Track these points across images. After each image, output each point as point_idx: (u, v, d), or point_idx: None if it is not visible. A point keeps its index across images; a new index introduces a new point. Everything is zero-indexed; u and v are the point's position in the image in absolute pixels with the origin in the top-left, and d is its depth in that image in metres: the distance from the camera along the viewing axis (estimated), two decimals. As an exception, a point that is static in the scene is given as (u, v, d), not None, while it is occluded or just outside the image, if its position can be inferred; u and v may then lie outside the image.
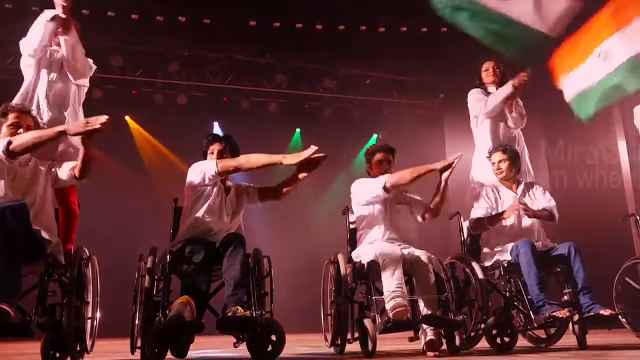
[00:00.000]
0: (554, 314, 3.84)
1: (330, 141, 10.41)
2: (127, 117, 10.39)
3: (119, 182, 9.42)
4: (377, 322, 3.76)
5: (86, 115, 4.15)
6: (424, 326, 3.76)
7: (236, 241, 3.62)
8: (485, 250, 4.48)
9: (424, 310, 3.77)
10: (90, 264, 3.75)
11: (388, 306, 3.64)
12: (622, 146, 8.88)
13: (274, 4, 8.61)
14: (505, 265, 4.25)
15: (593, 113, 4.29)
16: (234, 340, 3.56)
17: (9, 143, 3.33)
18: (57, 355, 3.22)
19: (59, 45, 4.06)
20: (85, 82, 4.21)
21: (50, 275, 3.37)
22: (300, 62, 10.07)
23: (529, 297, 4.07)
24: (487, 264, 4.39)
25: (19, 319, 3.06)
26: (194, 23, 8.86)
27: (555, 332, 4.45)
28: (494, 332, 4.00)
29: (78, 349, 3.50)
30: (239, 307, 3.32)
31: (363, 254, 4.08)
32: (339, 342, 4.04)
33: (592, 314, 3.92)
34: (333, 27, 9.27)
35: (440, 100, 10.92)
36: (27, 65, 4.04)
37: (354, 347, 3.96)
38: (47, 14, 3.93)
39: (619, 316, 4.27)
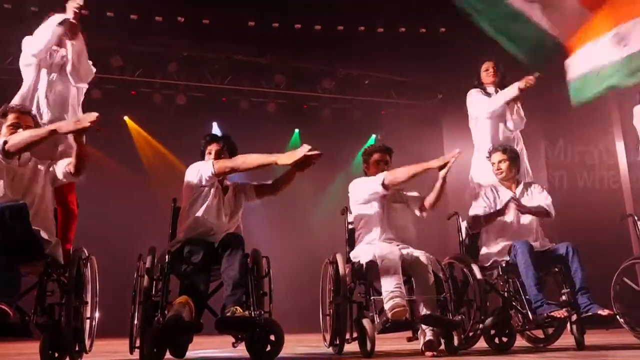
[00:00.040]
0: (552, 314, 3.84)
1: (329, 141, 10.41)
2: (126, 117, 10.39)
3: (117, 182, 9.43)
4: (376, 322, 3.77)
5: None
6: (423, 326, 3.76)
7: (235, 241, 3.63)
8: (483, 250, 4.49)
9: (422, 310, 3.78)
10: (89, 264, 3.75)
11: (387, 306, 3.65)
12: (620, 147, 8.90)
13: (273, 4, 8.62)
14: (504, 265, 4.26)
15: (590, 98, 4.23)
16: (233, 340, 3.57)
17: (5, 143, 3.35)
18: (56, 355, 3.23)
19: (59, 46, 4.07)
20: (85, 84, 4.22)
21: (49, 275, 3.37)
22: (299, 62, 10.08)
23: (527, 297, 4.07)
24: (486, 264, 4.40)
25: (18, 318, 3.07)
26: (193, 23, 8.87)
27: (554, 332, 4.46)
28: (492, 332, 4.01)
29: (77, 348, 3.51)
30: (237, 307, 3.32)
31: (362, 254, 4.09)
32: (338, 342, 4.04)
33: (590, 314, 3.92)
34: (332, 27, 9.28)
35: (438, 100, 10.94)
36: (27, 64, 4.04)
37: (352, 347, 3.96)
38: (58, 17, 3.93)
39: (617, 316, 4.26)
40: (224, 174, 3.89)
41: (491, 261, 4.37)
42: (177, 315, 3.20)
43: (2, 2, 7.99)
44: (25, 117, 3.61)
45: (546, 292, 4.09)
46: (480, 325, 3.98)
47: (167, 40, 9.06)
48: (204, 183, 3.86)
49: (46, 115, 3.96)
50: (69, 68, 4.03)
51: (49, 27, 3.92)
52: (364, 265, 4.00)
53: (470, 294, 4.19)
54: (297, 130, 11.12)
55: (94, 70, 4.25)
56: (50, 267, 3.36)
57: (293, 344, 5.10)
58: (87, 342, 3.69)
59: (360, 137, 10.68)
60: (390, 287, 3.71)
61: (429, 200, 4.29)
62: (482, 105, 4.96)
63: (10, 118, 3.56)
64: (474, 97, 5.06)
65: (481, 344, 4.09)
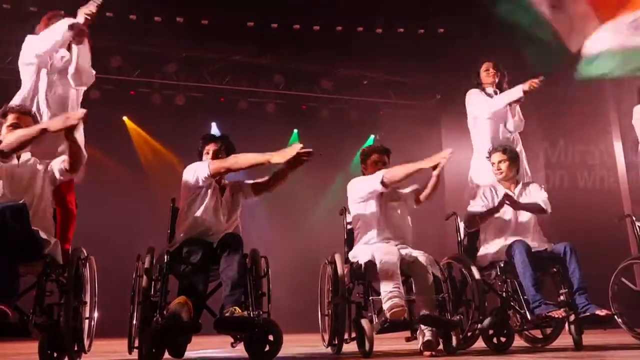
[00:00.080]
0: (550, 314, 3.85)
1: (328, 142, 10.43)
2: (125, 118, 10.38)
3: (116, 182, 9.42)
4: (374, 322, 3.77)
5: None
6: (422, 326, 3.77)
7: (234, 241, 3.64)
8: (482, 250, 4.49)
9: (421, 310, 3.79)
10: (88, 264, 3.75)
11: (385, 306, 3.66)
12: (618, 147, 8.92)
13: (271, 5, 8.62)
14: (502, 265, 4.26)
15: (594, 75, 4.24)
16: (232, 340, 3.57)
17: None
18: (55, 355, 3.23)
19: (63, 47, 4.07)
20: (84, 87, 4.23)
21: (48, 275, 3.37)
22: (297, 63, 10.08)
23: (525, 297, 4.08)
24: (484, 264, 4.40)
25: (17, 318, 3.06)
26: (192, 24, 8.87)
27: (552, 332, 4.47)
28: (491, 332, 4.01)
29: (76, 348, 3.51)
30: (236, 308, 3.33)
31: (360, 254, 4.10)
32: (336, 342, 4.05)
33: (588, 314, 3.93)
34: (330, 28, 9.29)
35: (437, 101, 10.94)
36: (27, 63, 4.01)
37: (351, 347, 3.97)
38: (67, 20, 3.93)
39: (615, 316, 4.27)
40: (220, 174, 3.89)
41: (489, 261, 4.38)
42: (176, 315, 3.21)
43: (1, 3, 7.99)
44: (26, 118, 3.61)
45: (544, 292, 4.10)
46: (479, 325, 3.99)
47: (166, 40, 9.06)
48: (200, 184, 3.87)
49: (46, 116, 3.95)
50: (72, 70, 4.02)
51: (59, 30, 3.91)
52: (363, 266, 4.00)
53: (468, 294, 4.20)
54: (295, 131, 11.12)
55: (94, 73, 4.25)
56: (49, 267, 3.36)
57: (291, 344, 5.10)
58: (86, 342, 3.69)
59: (358, 137, 10.69)
60: (388, 287, 3.71)
61: (424, 195, 4.31)
62: (483, 105, 4.98)
63: (10, 118, 3.56)
64: (474, 97, 5.06)
65: (479, 344, 4.10)
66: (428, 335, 3.71)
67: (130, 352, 3.50)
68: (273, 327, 3.38)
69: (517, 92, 4.85)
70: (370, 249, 4.02)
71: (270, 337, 3.36)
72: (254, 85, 10.31)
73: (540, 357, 3.56)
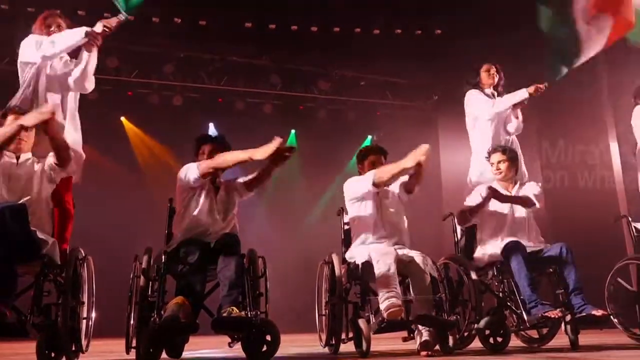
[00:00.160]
0: (546, 314, 3.86)
1: (325, 142, 10.49)
2: (122, 118, 10.38)
3: (114, 182, 9.42)
4: (372, 322, 3.78)
5: (82, 116, 4.16)
6: (420, 327, 3.78)
7: (231, 242, 3.65)
8: (478, 250, 4.50)
9: (418, 310, 3.81)
10: (85, 264, 3.76)
11: (382, 306, 3.66)
12: (614, 148, 8.94)
13: (269, 5, 8.63)
14: (499, 265, 4.28)
15: None
16: (229, 340, 3.57)
17: None
18: (53, 355, 3.24)
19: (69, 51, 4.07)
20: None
21: (45, 275, 3.38)
22: (295, 63, 10.09)
23: (521, 297, 4.09)
24: (481, 264, 4.42)
25: (15, 318, 3.07)
26: (189, 24, 8.87)
27: (548, 332, 4.48)
28: (487, 332, 4.02)
29: (73, 348, 3.52)
30: (234, 308, 3.34)
31: (357, 254, 4.11)
32: (334, 342, 4.06)
33: (584, 314, 3.94)
34: (328, 29, 9.30)
35: (434, 102, 10.96)
36: (27, 63, 3.99)
37: (348, 347, 3.98)
38: (85, 28, 3.93)
39: (611, 316, 4.28)
40: (209, 174, 3.90)
41: (486, 262, 4.39)
42: (174, 315, 3.21)
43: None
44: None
45: (540, 293, 4.12)
46: (475, 326, 4.00)
47: (163, 41, 9.06)
48: (192, 185, 3.89)
49: None
50: (77, 74, 4.01)
51: (75, 36, 3.90)
52: (360, 266, 4.01)
53: (465, 294, 4.21)
54: (293, 131, 11.14)
55: (94, 81, 4.25)
56: (47, 267, 3.37)
57: (289, 344, 5.11)
58: (84, 342, 3.70)
59: (356, 138, 10.69)
60: (385, 287, 3.72)
61: (411, 184, 4.30)
62: (485, 106, 4.99)
63: (10, 119, 3.56)
64: (474, 98, 5.07)
65: (476, 344, 4.11)
66: (425, 336, 3.72)
67: (127, 352, 3.50)
68: (270, 327, 3.39)
69: (522, 94, 4.91)
70: (367, 249, 4.03)
71: (268, 337, 3.37)
72: (251, 85, 10.31)
73: (536, 357, 3.57)
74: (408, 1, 8.80)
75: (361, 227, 4.26)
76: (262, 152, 3.73)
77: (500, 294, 4.34)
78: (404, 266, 3.98)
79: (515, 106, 5.01)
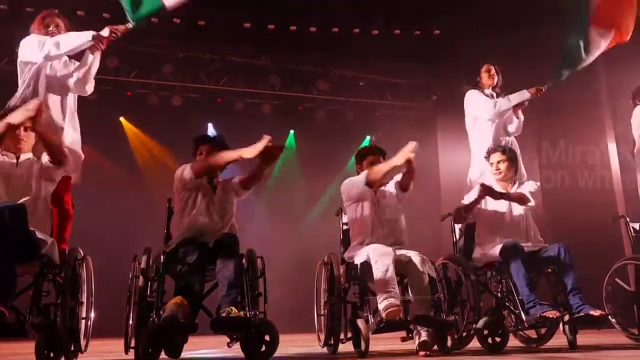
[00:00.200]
0: (544, 314, 3.87)
1: (324, 143, 10.49)
2: (121, 118, 10.38)
3: (113, 182, 9.42)
4: (370, 322, 3.79)
5: (81, 117, 4.17)
6: (418, 327, 3.79)
7: (230, 242, 3.66)
8: (477, 250, 4.51)
9: (416, 310, 3.81)
10: (84, 264, 3.76)
11: (381, 306, 3.67)
12: (612, 149, 8.96)
13: (268, 6, 8.64)
14: (497, 266, 4.29)
15: None
16: (228, 340, 3.58)
17: None
18: (52, 355, 3.24)
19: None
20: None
21: (44, 275, 3.38)
22: (294, 64, 10.09)
23: (520, 297, 4.10)
24: (479, 264, 4.42)
25: (14, 318, 3.07)
26: (188, 25, 8.87)
27: (546, 332, 4.49)
28: (486, 332, 4.03)
29: (72, 348, 3.52)
30: (232, 308, 3.34)
31: (356, 254, 4.11)
32: (332, 342, 4.07)
33: (582, 314, 3.94)
34: (327, 29, 9.31)
35: (433, 102, 10.97)
36: (28, 62, 3.99)
37: (346, 347, 3.98)
38: (91, 32, 3.93)
39: (609, 317, 4.28)
40: (203, 174, 3.93)
41: (484, 262, 4.40)
42: (172, 315, 3.22)
43: (-2, 3, 7.99)
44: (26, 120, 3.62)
45: (539, 293, 4.12)
46: (474, 325, 4.01)
47: (162, 41, 9.06)
48: (188, 186, 3.91)
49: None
50: (79, 76, 4.02)
51: (81, 39, 3.90)
52: (358, 266, 4.02)
53: (463, 294, 4.21)
54: (292, 132, 11.15)
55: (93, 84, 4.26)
56: (46, 267, 3.36)
57: (287, 344, 5.11)
58: (83, 342, 3.71)
59: (355, 138, 10.70)
60: (384, 287, 3.73)
61: (404, 181, 4.34)
62: (485, 107, 4.98)
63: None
64: (474, 98, 5.06)
65: (474, 343, 4.11)
66: (424, 336, 3.73)
67: (126, 352, 3.51)
68: (269, 327, 3.40)
69: (524, 95, 4.93)
70: (365, 249, 4.03)
71: (267, 337, 3.37)
72: (250, 86, 10.31)
73: (534, 357, 3.58)
74: (407, 2, 8.81)
75: (359, 228, 4.27)
76: (251, 151, 3.77)
77: (499, 294, 4.35)
78: (403, 266, 3.98)
79: (515, 107, 5.03)
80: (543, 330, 4.51)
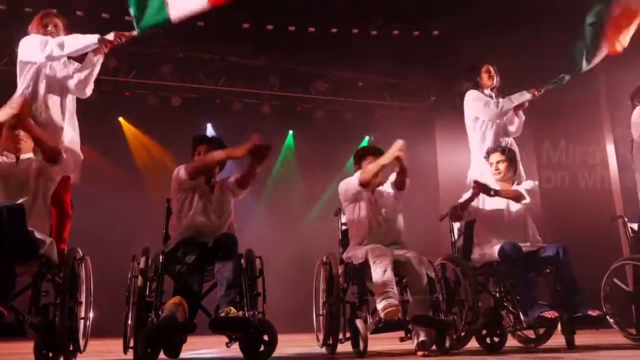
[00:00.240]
0: (542, 314, 3.88)
1: (323, 143, 10.50)
2: (120, 119, 10.39)
3: (112, 182, 9.42)
4: (369, 322, 3.80)
5: (80, 117, 4.17)
6: (417, 327, 3.79)
7: (229, 241, 3.66)
8: (476, 251, 4.52)
9: (415, 310, 3.82)
10: (83, 264, 3.77)
11: (379, 306, 3.68)
12: (610, 149, 8.97)
13: (267, 6, 8.63)
14: (495, 266, 4.29)
15: None
16: (227, 340, 3.58)
17: None
18: (50, 354, 3.24)
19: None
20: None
21: (43, 275, 3.38)
22: (293, 64, 10.09)
23: (518, 297, 4.11)
24: (478, 264, 4.43)
25: (13, 318, 3.07)
26: (187, 25, 8.80)
27: (544, 332, 4.49)
28: (484, 332, 4.05)
29: (71, 348, 3.52)
30: (231, 308, 3.35)
31: (354, 255, 4.12)
32: (331, 342, 4.07)
33: (580, 314, 3.95)
34: (326, 30, 9.31)
35: (431, 103, 10.98)
36: (28, 62, 3.98)
37: (345, 347, 3.99)
38: (96, 36, 3.93)
39: (607, 316, 4.29)
40: (196, 175, 3.94)
41: (483, 262, 4.40)
42: (171, 315, 3.22)
43: (-3, 4, 7.99)
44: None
45: (537, 293, 4.13)
46: (472, 325, 4.01)
47: (161, 41, 9.05)
48: (184, 186, 3.93)
49: (43, 119, 3.95)
50: (80, 78, 4.02)
51: (87, 41, 3.90)
52: (357, 266, 4.03)
53: (462, 294, 4.22)
54: (291, 132, 11.16)
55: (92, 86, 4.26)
56: (44, 267, 3.36)
57: (286, 344, 5.12)
58: (82, 342, 3.71)
59: (353, 138, 10.72)
60: (382, 287, 3.74)
61: (399, 180, 4.36)
62: (485, 107, 4.97)
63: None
64: (474, 98, 5.05)
65: (473, 343, 4.12)
66: (422, 336, 3.73)
67: (125, 352, 3.51)
68: (268, 327, 3.40)
69: (524, 96, 4.94)
70: (364, 249, 4.04)
71: (265, 337, 3.37)
72: (249, 86, 10.32)
73: (533, 357, 3.58)
74: (406, 2, 8.81)
75: (357, 228, 4.28)
76: (239, 151, 3.84)
77: (497, 294, 4.36)
78: (401, 266, 3.99)
79: (516, 107, 5.03)
80: (541, 331, 4.51)
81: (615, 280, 4.59)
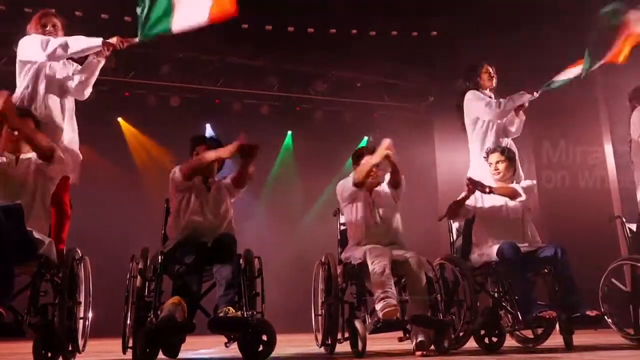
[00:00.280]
0: (540, 314, 3.88)
1: (322, 143, 10.51)
2: (119, 119, 10.38)
3: (111, 183, 9.42)
4: (367, 322, 3.81)
5: (79, 117, 4.17)
6: (415, 327, 3.80)
7: (227, 242, 3.67)
8: (474, 251, 4.52)
9: (413, 310, 3.82)
10: (82, 264, 3.77)
11: (378, 306, 3.69)
12: (608, 149, 8.98)
13: (266, 7, 8.63)
14: (494, 266, 4.30)
15: None
16: (226, 340, 3.59)
17: None
18: (49, 355, 3.23)
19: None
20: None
21: (42, 275, 3.38)
22: (292, 64, 10.09)
23: (516, 297, 4.11)
24: (476, 265, 4.43)
25: (11, 318, 3.07)
26: (187, 25, 8.85)
27: (543, 332, 4.50)
28: (482, 332, 4.05)
29: (70, 348, 3.52)
30: (230, 308, 3.36)
31: (353, 255, 4.13)
32: (330, 342, 4.08)
33: (578, 314, 3.95)
34: (325, 30, 9.31)
35: (430, 103, 10.99)
36: (28, 61, 3.99)
37: (344, 347, 4.00)
38: (100, 38, 3.94)
39: (605, 317, 4.29)
40: (192, 174, 3.96)
41: (482, 262, 4.40)
42: (170, 315, 3.22)
43: (-3, 4, 7.99)
44: (26, 120, 3.63)
45: (535, 293, 4.14)
46: (471, 325, 4.02)
47: (160, 42, 9.04)
48: (180, 187, 3.95)
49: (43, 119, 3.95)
50: (81, 79, 4.03)
51: (90, 43, 3.91)
52: (356, 266, 4.04)
53: (460, 294, 4.23)
54: (290, 132, 11.16)
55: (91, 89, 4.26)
56: (43, 268, 3.36)
57: (285, 344, 5.12)
58: (80, 342, 3.71)
59: (352, 139, 10.70)
60: (381, 288, 3.74)
61: (393, 178, 4.38)
62: (488, 108, 4.96)
63: None
64: (475, 98, 5.03)
65: (471, 343, 4.13)
66: (420, 336, 3.73)
67: (124, 352, 3.52)
68: (267, 327, 3.40)
69: (524, 98, 4.95)
70: (362, 250, 4.05)
71: (264, 337, 3.38)
72: (248, 86, 10.31)
73: (531, 357, 3.59)
74: (405, 2, 8.82)
75: (355, 228, 4.29)
76: (227, 151, 3.87)
77: (496, 294, 4.36)
78: (400, 266, 4.00)
79: (516, 108, 5.02)
80: (539, 331, 4.52)
81: (614, 280, 4.59)
